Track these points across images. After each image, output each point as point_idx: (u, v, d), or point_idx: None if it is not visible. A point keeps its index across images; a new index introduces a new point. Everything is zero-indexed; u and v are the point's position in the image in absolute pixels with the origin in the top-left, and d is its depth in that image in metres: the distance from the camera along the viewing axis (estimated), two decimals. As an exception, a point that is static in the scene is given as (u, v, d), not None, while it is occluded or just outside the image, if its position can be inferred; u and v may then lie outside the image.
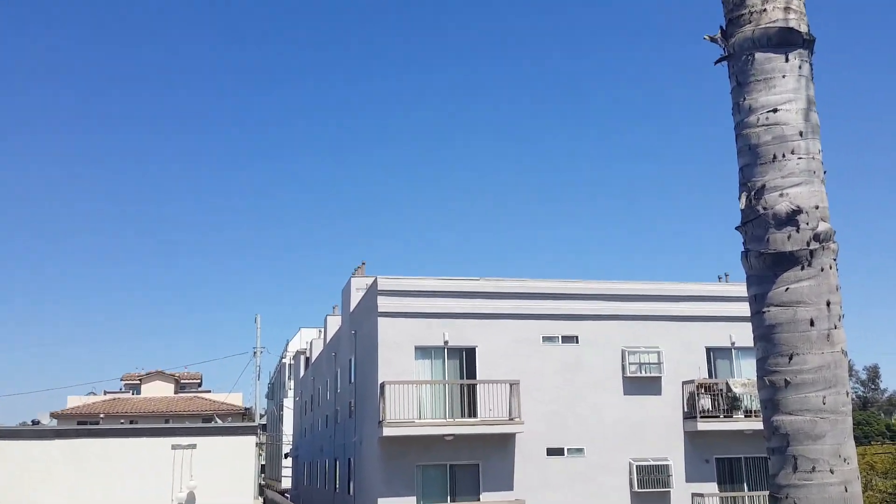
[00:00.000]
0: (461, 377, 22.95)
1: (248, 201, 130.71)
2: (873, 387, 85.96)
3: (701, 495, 22.98)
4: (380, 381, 22.14)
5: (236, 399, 53.55)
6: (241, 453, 22.42)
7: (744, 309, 24.43)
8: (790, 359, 5.92)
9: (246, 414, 52.72)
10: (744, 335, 24.54)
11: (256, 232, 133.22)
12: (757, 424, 23.37)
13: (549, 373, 23.48)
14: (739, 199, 6.58)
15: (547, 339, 23.73)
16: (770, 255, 6.14)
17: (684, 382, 24.00)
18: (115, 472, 21.61)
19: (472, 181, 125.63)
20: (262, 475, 62.62)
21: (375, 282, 23.54)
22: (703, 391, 23.60)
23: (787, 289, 6.04)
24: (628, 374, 23.78)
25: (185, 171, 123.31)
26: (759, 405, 24.22)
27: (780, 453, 5.87)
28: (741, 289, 24.93)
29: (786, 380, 5.90)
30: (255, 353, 44.46)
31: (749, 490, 23.82)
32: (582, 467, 23.12)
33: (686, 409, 23.93)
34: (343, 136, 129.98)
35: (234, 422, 38.45)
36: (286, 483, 53.01)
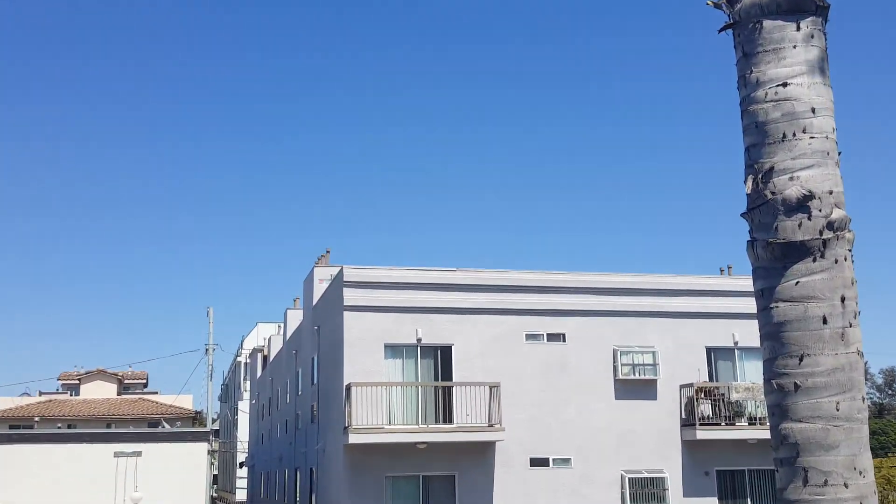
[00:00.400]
0: (435, 378, 22.91)
1: (200, 183, 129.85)
2: (891, 392, 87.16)
3: (699, 510, 23.15)
4: (345, 383, 22.05)
5: (186, 401, 53.22)
6: (192, 462, 22.30)
7: (748, 305, 24.54)
8: (800, 360, 5.90)
9: (197, 418, 52.44)
10: (748, 334, 24.69)
11: (209, 216, 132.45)
12: (762, 433, 23.53)
13: (532, 374, 23.51)
14: (745, 182, 6.55)
15: (530, 336, 23.74)
16: (779, 244, 6.11)
17: (682, 386, 24.13)
18: (50, 482, 21.38)
19: (451, 165, 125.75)
20: (215, 486, 62.46)
21: (341, 272, 23.41)
22: (702, 396, 23.73)
23: (798, 282, 6.02)
24: (620, 377, 23.87)
25: (130, 150, 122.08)
26: (764, 411, 24.48)
27: (789, 465, 5.85)
28: (746, 282, 25.16)
29: (795, 383, 5.89)
30: (206, 350, 44.15)
31: (752, 505, 24.04)
32: (568, 479, 23.19)
33: (684, 416, 24.07)
34: (307, 114, 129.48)
35: (184, 427, 38.20)
36: (241, 495, 52.92)
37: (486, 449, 22.80)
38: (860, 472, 5.71)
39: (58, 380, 62.62)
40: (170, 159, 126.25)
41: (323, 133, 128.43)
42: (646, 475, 23.39)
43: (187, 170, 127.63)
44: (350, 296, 22.71)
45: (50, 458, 21.36)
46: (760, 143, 6.40)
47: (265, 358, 45.59)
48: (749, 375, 24.70)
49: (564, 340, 23.93)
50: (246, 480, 51.69)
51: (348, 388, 21.77)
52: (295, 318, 35.26)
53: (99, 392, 54.70)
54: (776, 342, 6.07)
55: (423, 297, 23.09)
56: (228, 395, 68.30)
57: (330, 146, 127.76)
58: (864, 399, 5.96)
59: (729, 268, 29.22)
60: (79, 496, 21.22)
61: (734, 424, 23.66)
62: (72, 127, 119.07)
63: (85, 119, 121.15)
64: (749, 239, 6.41)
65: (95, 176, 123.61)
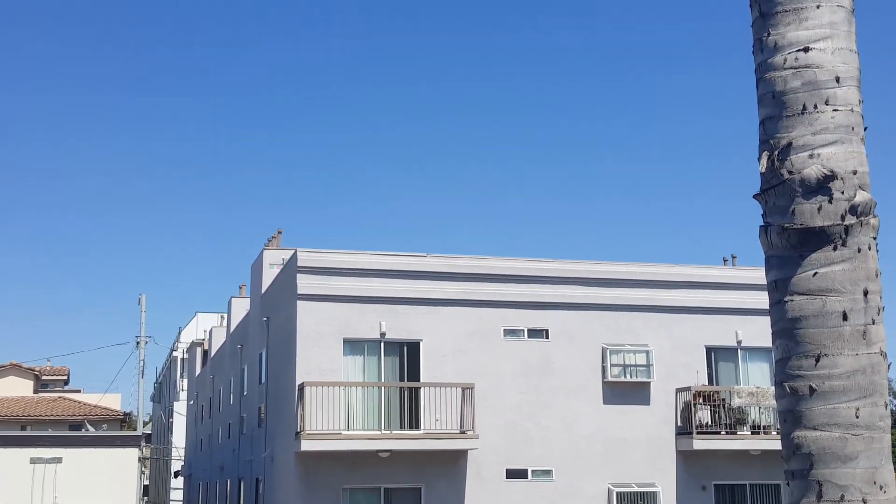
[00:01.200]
0: (401, 378, 22.94)
1: (132, 152, 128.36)
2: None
3: (694, 529, 23.45)
4: (298, 382, 22.01)
5: (113, 401, 52.88)
6: (120, 470, 22.21)
7: (754, 299, 24.94)
8: (817, 360, 5.98)
9: (125, 420, 52.15)
10: (753, 332, 24.96)
11: (142, 191, 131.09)
12: (766, 444, 23.85)
13: (510, 375, 23.61)
14: (759, 159, 6.59)
15: (509, 332, 23.83)
16: (795, 230, 6.16)
17: (678, 390, 24.38)
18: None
19: (423, 139, 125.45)
20: (145, 498, 62.23)
21: (294, 256, 23.32)
22: (701, 401, 23.98)
23: (816, 273, 6.08)
24: (609, 379, 24.04)
25: (50, 116, 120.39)
26: (769, 419, 24.83)
27: (802, 478, 5.93)
28: (751, 274, 25.52)
29: (811, 386, 5.96)
30: (137, 343, 43.86)
31: (754, 523, 24.37)
32: (549, 493, 23.36)
33: (680, 423, 24.32)
34: (255, 79, 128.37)
35: (111, 430, 38.00)
36: (176, 509, 52.77)
37: (457, 458, 22.89)
38: (881, 487, 5.80)
39: (-35, 375, 61.87)
40: (97, 126, 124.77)
41: (277, 98, 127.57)
42: (636, 489, 23.62)
43: (116, 136, 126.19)
44: (304, 283, 22.64)
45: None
46: (777, 116, 6.44)
47: (205, 353, 45.39)
48: (753, 379, 24.99)
49: (547, 337, 24.04)
50: (182, 492, 51.55)
51: (301, 388, 21.73)
52: (240, 307, 35.09)
53: (12, 389, 54.15)
54: (790, 340, 6.13)
55: (387, 285, 23.08)
56: (162, 395, 68.01)
57: (284, 112, 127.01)
58: (886, 405, 6.05)
59: (733, 258, 29.51)
60: (-11, 508, 21.06)
61: (735, 433, 23.94)
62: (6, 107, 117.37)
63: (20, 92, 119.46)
64: (763, 224, 6.46)
65: (5, 143, 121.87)
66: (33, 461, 21.50)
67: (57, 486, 21.45)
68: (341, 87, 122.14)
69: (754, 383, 24.69)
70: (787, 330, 6.14)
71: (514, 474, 23.28)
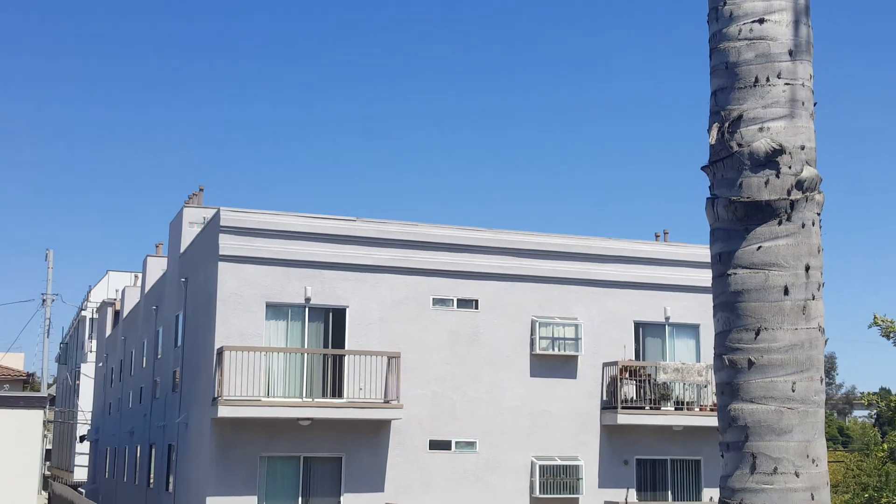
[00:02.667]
0: (325, 345, 22.92)
1: (45, 102, 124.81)
2: (828, 381, 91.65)
3: (616, 504, 23.98)
4: (217, 346, 21.84)
5: (16, 361, 51.73)
6: (22, 433, 21.69)
7: (684, 276, 25.49)
8: (757, 334, 6.11)
9: (28, 381, 51.06)
10: (681, 309, 25.53)
11: (54, 141, 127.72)
12: (689, 419, 24.48)
13: (438, 345, 23.76)
14: (709, 131, 6.69)
15: (438, 301, 23.95)
16: (742, 203, 6.27)
17: (605, 364, 24.81)
18: None
19: (357, 94, 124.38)
20: (48, 463, 61.20)
21: (217, 214, 23.04)
22: (627, 376, 24.44)
23: (760, 247, 6.20)
24: (538, 351, 24.34)
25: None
26: (692, 395, 25.40)
27: (737, 450, 6.08)
28: (682, 250, 26.05)
29: (749, 360, 6.09)
30: (44, 301, 43.09)
31: (674, 499, 25.01)
32: (472, 465, 23.64)
33: (605, 398, 24.78)
34: (179, 34, 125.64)
35: (13, 391, 37.12)
36: (80, 474, 52.09)
37: (380, 428, 23.00)
38: (813, 461, 5.97)
39: None
40: (7, 78, 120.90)
41: (203, 51, 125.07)
42: (559, 462, 24.03)
43: (28, 78, 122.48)
44: (227, 243, 22.39)
45: None
46: (729, 88, 6.51)
47: (117, 313, 44.68)
48: (679, 355, 25.56)
49: (477, 308, 24.22)
50: (87, 457, 50.86)
51: (220, 352, 21.56)
52: (157, 267, 34.62)
53: None
54: (731, 313, 6.24)
55: (314, 249, 22.96)
56: (69, 356, 66.72)
57: (214, 64, 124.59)
58: (822, 380, 6.21)
59: (665, 233, 29.98)
60: None
61: (659, 409, 24.49)
62: None
63: None
64: (710, 196, 6.54)
65: None
66: (-73, 422, 20.90)
67: (-46, 449, 20.88)
68: (271, 43, 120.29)
69: (680, 359, 25.25)
70: (729, 303, 6.24)
71: (438, 445, 23.48)
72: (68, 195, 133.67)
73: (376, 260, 23.46)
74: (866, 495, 35.35)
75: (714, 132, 6.55)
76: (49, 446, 63.37)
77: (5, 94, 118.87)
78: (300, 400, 22.19)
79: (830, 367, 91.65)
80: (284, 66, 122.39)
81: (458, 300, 24.12)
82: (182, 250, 28.12)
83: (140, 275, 39.55)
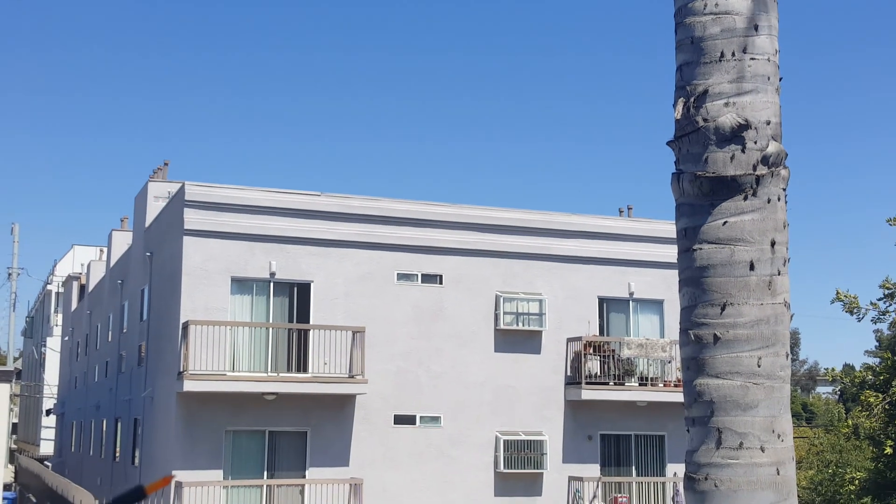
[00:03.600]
0: (290, 320, 22.76)
1: (8, 68, 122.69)
2: (792, 357, 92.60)
3: (580, 479, 24.02)
4: (182, 321, 21.63)
5: (-19, 336, 51.19)
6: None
7: (648, 252, 25.51)
8: (722, 309, 6.05)
9: (-6, 356, 50.57)
10: (645, 284, 25.56)
11: (17, 111, 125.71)
12: (653, 395, 24.56)
13: (402, 320, 23.64)
14: (675, 106, 6.60)
15: (403, 276, 23.82)
16: (708, 178, 6.20)
17: (569, 340, 24.81)
18: None
19: (322, 66, 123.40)
20: (14, 437, 60.63)
21: (182, 189, 22.76)
22: (591, 351, 24.47)
23: (726, 222, 6.14)
24: (502, 326, 24.29)
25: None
26: (656, 371, 25.53)
27: (702, 425, 6.03)
28: (646, 226, 26.05)
29: (715, 335, 6.03)
30: (9, 275, 42.58)
31: (638, 475, 25.11)
32: (436, 440, 23.61)
33: (569, 373, 24.79)
34: (148, 3, 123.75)
35: (-23, 366, 36.69)
36: (46, 448, 51.75)
37: (345, 403, 22.89)
38: (779, 436, 5.93)
39: None
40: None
41: (172, 22, 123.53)
42: (523, 437, 24.05)
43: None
44: (192, 218, 22.13)
45: None
46: (695, 62, 6.43)
47: (82, 287, 44.22)
48: (644, 331, 25.62)
49: (441, 283, 24.12)
50: (53, 431, 50.50)
51: (185, 326, 21.34)
52: (122, 241, 34.26)
53: None
54: (697, 288, 6.18)
55: (279, 224, 22.74)
56: (34, 330, 66.04)
57: (180, 38, 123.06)
58: (787, 356, 6.17)
59: (629, 209, 29.99)
60: None
61: (623, 384, 24.56)
62: None
63: None
64: (675, 171, 6.46)
65: None
66: None
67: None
68: (236, 13, 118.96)
69: (644, 335, 25.31)
70: (695, 278, 6.18)
71: (402, 420, 23.42)
72: (33, 169, 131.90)
73: (340, 235, 23.26)
74: (829, 471, 35.91)
75: (679, 107, 6.46)
76: (15, 420, 62.75)
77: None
78: (265, 374, 22.03)
79: (794, 343, 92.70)
80: (248, 39, 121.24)
81: (423, 275, 24.00)
82: (147, 224, 27.78)
83: (105, 249, 39.09)
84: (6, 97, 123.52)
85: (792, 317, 6.34)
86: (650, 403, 24.69)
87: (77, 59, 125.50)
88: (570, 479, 24.18)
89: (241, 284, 22.48)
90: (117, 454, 29.93)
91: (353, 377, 22.40)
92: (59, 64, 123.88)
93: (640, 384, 24.77)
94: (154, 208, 27.48)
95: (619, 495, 24.28)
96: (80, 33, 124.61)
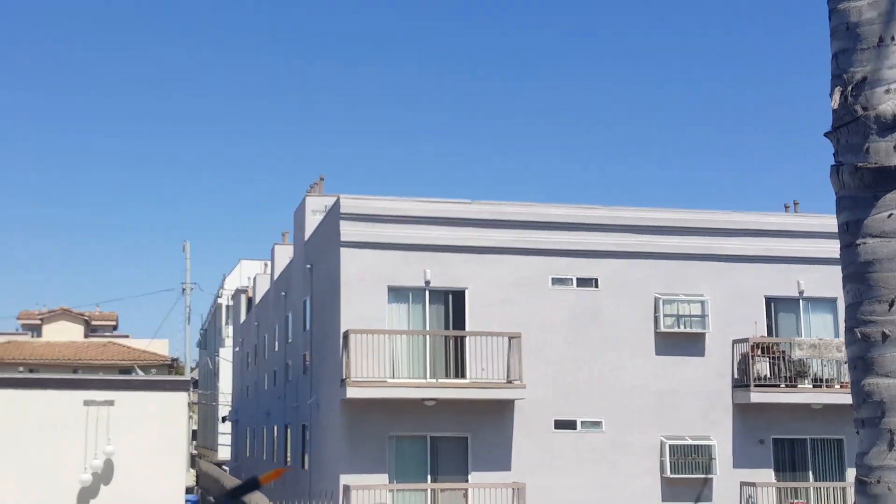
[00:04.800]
0: (446, 327, 22.95)
1: (176, 101, 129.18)
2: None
3: (752, 484, 23.30)
4: (342, 330, 22.12)
5: (161, 347, 53.91)
6: (170, 414, 22.45)
7: (817, 248, 24.50)
8: (891, 305, 5.82)
9: (173, 366, 53.16)
10: (816, 282, 24.58)
11: (187, 138, 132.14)
12: (828, 397, 23.57)
13: (559, 325, 23.52)
14: (831, 95, 6.37)
15: (557, 281, 23.70)
16: (869, 170, 5.98)
17: (735, 341, 24.14)
18: (12, 432, 21.64)
19: (467, 81, 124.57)
20: (194, 442, 63.52)
21: (337, 202, 23.32)
22: (759, 353, 23.74)
23: (891, 214, 5.91)
24: (662, 329, 23.87)
25: (98, 62, 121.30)
26: (832, 372, 24.44)
27: (872, 426, 5.81)
28: (815, 221, 25.04)
29: (884, 332, 5.80)
30: (183, 290, 44.53)
31: (815, 479, 24.12)
32: (599, 445, 23.36)
33: (736, 376, 24.12)
34: (291, 20, 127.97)
35: (160, 375, 38.65)
36: (224, 453, 53.75)
37: (504, 408, 22.94)
38: (954, 438, 5.64)
39: (17, 319, 63.37)
40: (143, 75, 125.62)
41: (316, 48, 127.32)
42: (690, 442, 23.52)
43: (162, 86, 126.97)
44: (347, 230, 22.66)
45: (11, 406, 21.58)
46: (851, 49, 6.19)
47: (250, 300, 45.87)
48: (816, 330, 24.67)
49: (597, 286, 23.87)
50: (230, 437, 52.48)
51: (346, 335, 21.83)
52: (284, 254, 35.36)
53: (63, 334, 55.45)
54: (862, 284, 5.99)
55: (432, 233, 23.02)
56: (208, 342, 69.02)
57: (327, 59, 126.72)
58: (963, 354, 5.84)
59: (795, 204, 29.00)
60: (43, 448, 21.44)
61: (796, 386, 23.73)
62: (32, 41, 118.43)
63: (50, 32, 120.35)
64: (834, 163, 6.26)
65: (59, 90, 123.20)
66: (87, 403, 21.84)
67: (110, 429, 21.80)
68: (402, 28, 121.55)
69: (816, 335, 24.34)
70: (859, 274, 5.99)
71: (563, 425, 23.29)
72: (201, 189, 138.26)
73: (494, 241, 23.35)
74: None
75: (837, 96, 6.22)
76: (195, 427, 65.72)
77: (139, 87, 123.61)
78: (424, 381, 22.31)
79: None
80: (392, 55, 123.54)
81: (578, 279, 23.82)
82: (306, 238, 28.61)
83: (269, 262, 40.51)
84: (173, 134, 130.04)
85: None
86: (825, 406, 23.68)
87: (235, 93, 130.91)
88: (742, 484, 23.48)
89: (397, 293, 22.85)
90: (288, 459, 30.89)
91: (510, 382, 22.42)
92: (220, 99, 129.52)
93: (814, 386, 23.84)
94: (312, 222, 28.27)
95: (795, 501, 23.44)
96: (240, 52, 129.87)
